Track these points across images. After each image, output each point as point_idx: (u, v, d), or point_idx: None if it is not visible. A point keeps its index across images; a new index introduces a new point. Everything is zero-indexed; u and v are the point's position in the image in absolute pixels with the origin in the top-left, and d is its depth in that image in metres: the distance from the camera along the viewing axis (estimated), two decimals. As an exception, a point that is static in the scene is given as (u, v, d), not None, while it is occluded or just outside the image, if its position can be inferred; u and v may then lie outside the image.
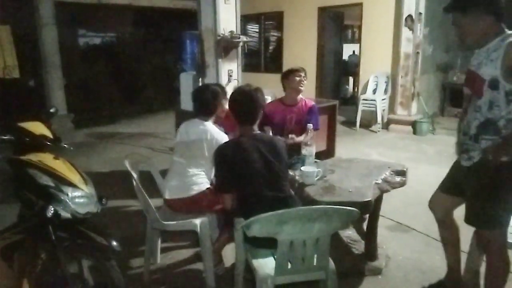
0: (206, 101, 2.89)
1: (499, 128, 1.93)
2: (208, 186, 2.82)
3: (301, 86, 3.48)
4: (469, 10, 1.95)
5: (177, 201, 2.77)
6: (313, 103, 3.63)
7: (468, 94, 2.09)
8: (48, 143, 2.21)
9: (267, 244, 2.02)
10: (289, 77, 3.49)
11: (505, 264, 2.15)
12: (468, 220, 2.15)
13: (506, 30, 1.94)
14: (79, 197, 2.03)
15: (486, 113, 1.95)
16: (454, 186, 2.31)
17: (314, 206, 1.97)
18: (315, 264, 2.01)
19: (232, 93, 2.46)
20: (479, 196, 2.08)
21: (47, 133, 2.25)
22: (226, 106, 3.53)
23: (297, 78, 3.45)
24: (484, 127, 1.97)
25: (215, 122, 2.97)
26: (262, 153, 2.26)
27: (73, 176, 2.09)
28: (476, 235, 2.27)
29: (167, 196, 2.80)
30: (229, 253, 2.95)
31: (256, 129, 2.39)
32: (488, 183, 2.02)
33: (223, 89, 3.29)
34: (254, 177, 2.23)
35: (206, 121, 2.87)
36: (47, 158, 2.12)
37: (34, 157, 2.10)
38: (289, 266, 1.98)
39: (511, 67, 1.83)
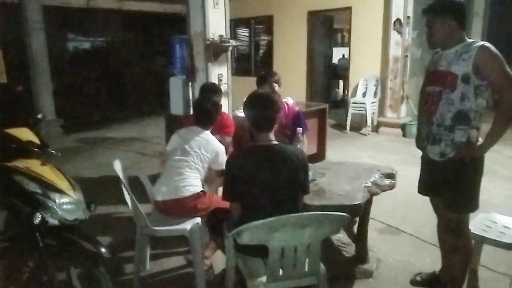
0: (208, 113, 2.92)
1: (470, 119, 2.22)
2: (202, 189, 2.80)
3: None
4: (441, 14, 2.26)
5: (170, 202, 2.73)
6: (297, 108, 3.59)
7: (436, 91, 2.31)
8: (35, 149, 2.19)
9: (258, 253, 2.01)
10: (265, 83, 3.35)
11: (470, 244, 2.43)
12: (450, 206, 2.36)
13: (466, 38, 2.27)
14: (67, 204, 2.01)
15: (458, 105, 2.22)
16: (431, 186, 2.50)
17: (305, 213, 1.94)
18: (306, 270, 2.00)
19: (248, 97, 2.25)
20: (460, 184, 2.29)
21: (34, 139, 2.23)
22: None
23: (274, 84, 3.36)
24: (458, 118, 2.23)
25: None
26: (273, 167, 2.08)
27: (61, 182, 2.07)
28: (447, 220, 2.43)
29: (159, 198, 2.77)
30: (219, 259, 2.94)
31: (272, 137, 2.18)
32: (465, 172, 2.28)
33: (215, 87, 3.43)
34: (258, 193, 2.09)
35: (206, 130, 2.90)
36: (34, 165, 2.10)
37: (21, 163, 2.08)
38: (281, 272, 1.97)
39: (478, 65, 2.14)
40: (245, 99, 2.27)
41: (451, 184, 2.31)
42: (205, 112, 2.92)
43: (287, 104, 3.57)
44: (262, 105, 2.15)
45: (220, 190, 2.95)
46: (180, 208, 2.73)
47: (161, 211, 2.81)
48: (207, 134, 2.90)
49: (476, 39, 2.27)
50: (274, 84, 3.36)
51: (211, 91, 3.51)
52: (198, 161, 2.79)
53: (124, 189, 2.59)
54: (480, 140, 2.27)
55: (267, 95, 2.20)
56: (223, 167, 2.67)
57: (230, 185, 2.17)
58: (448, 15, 2.23)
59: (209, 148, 2.82)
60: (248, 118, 2.22)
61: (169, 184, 2.75)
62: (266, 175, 2.08)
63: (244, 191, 2.12)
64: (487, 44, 2.17)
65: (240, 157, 2.23)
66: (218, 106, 2.99)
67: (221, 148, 2.87)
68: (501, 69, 2.13)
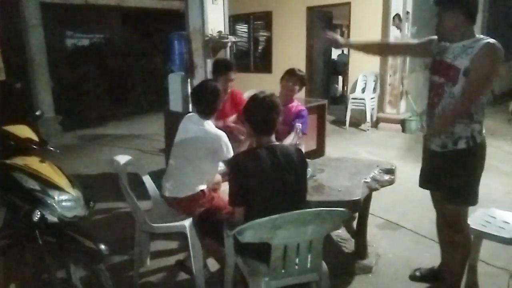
0: (206, 102, 2.73)
1: (471, 113, 2.21)
2: (203, 188, 2.70)
3: (290, 92, 3.45)
4: (449, 7, 2.22)
5: (173, 200, 2.75)
6: (303, 107, 3.56)
7: (440, 82, 2.30)
8: (34, 146, 2.19)
9: (259, 255, 1.99)
10: (284, 79, 3.45)
11: (469, 239, 2.42)
12: (448, 198, 2.35)
13: (476, 34, 2.24)
14: (66, 201, 2.01)
15: (459, 99, 2.19)
16: (431, 178, 2.48)
17: (307, 209, 1.93)
18: (308, 266, 2.00)
19: (248, 101, 2.25)
20: (460, 176, 2.28)
21: (33, 136, 2.23)
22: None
23: (289, 83, 3.42)
24: None
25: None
26: (278, 167, 2.06)
27: (60, 179, 2.07)
28: (446, 214, 2.43)
29: (166, 194, 2.77)
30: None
31: (273, 139, 2.19)
32: (466, 164, 2.27)
33: (230, 64, 3.37)
34: (267, 193, 2.06)
35: (206, 119, 2.72)
36: (33, 162, 2.09)
37: (19, 160, 2.08)
38: (283, 269, 1.96)
39: (473, 58, 2.12)
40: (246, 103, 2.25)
41: (450, 175, 2.31)
42: (204, 100, 2.72)
43: (294, 101, 3.52)
44: (265, 109, 2.13)
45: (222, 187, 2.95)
46: (180, 206, 2.73)
47: (168, 205, 2.82)
48: (205, 124, 2.69)
49: (485, 36, 2.22)
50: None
51: (225, 68, 3.42)
52: (197, 154, 2.66)
53: (122, 186, 2.59)
54: (484, 134, 2.27)
55: (270, 99, 2.17)
56: (231, 155, 2.63)
57: (238, 190, 2.11)
58: (456, 8, 2.20)
59: (207, 140, 2.65)
60: (250, 122, 2.20)
61: (172, 182, 2.74)
62: (275, 175, 2.06)
63: (253, 194, 2.06)
64: (493, 42, 2.13)
65: (247, 160, 2.13)
66: (217, 93, 2.76)
67: (219, 139, 2.64)
68: (483, 75, 2.12)
